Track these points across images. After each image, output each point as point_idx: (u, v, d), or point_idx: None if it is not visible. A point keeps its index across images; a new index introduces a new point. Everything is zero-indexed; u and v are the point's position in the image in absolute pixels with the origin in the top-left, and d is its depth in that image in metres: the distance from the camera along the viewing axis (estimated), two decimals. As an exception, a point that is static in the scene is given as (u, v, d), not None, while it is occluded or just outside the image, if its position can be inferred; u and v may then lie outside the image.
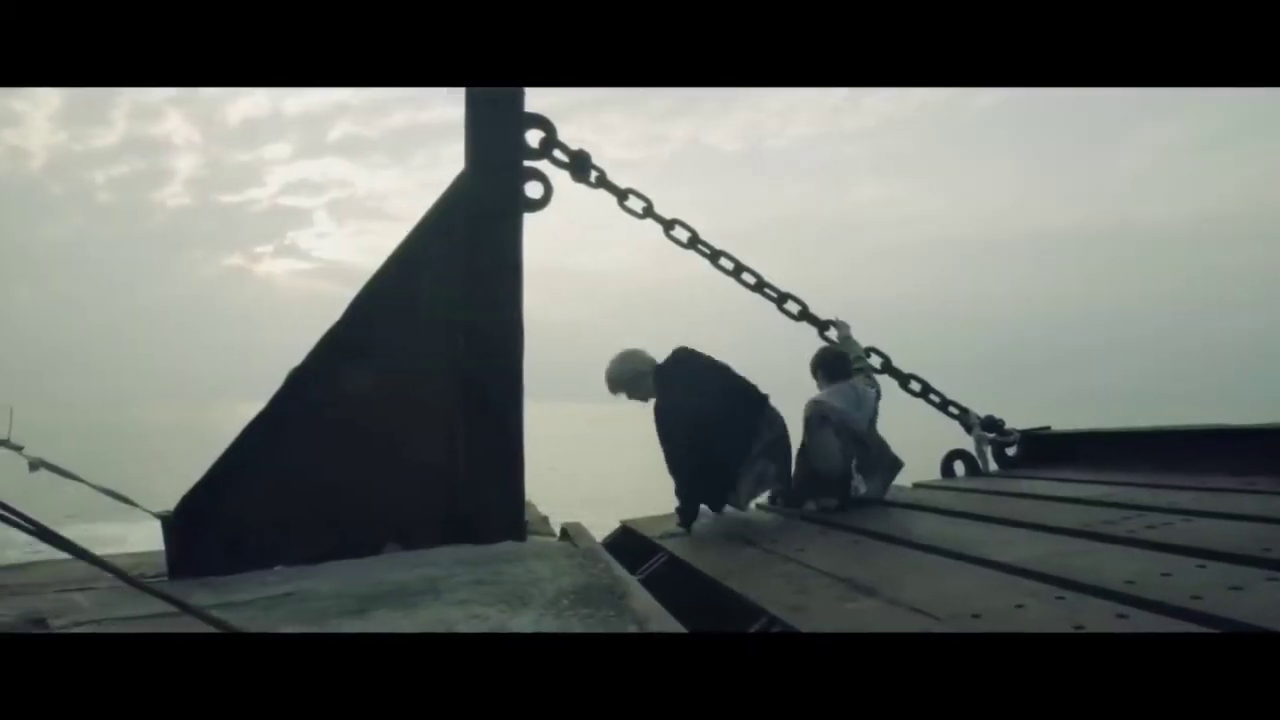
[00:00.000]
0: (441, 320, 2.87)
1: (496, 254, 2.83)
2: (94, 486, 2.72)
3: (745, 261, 3.84)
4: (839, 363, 3.67)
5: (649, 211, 3.54)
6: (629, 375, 3.37)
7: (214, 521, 2.66)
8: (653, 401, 3.32)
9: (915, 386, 4.35)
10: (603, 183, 3.33)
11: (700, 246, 3.75)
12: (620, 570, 2.24)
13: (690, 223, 3.68)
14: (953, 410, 4.49)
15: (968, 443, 4.54)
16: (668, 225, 3.63)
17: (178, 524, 2.64)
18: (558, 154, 3.11)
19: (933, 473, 4.54)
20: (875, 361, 4.13)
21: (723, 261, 3.82)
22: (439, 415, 2.82)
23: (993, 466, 4.55)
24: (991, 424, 4.56)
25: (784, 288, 3.98)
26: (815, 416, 3.39)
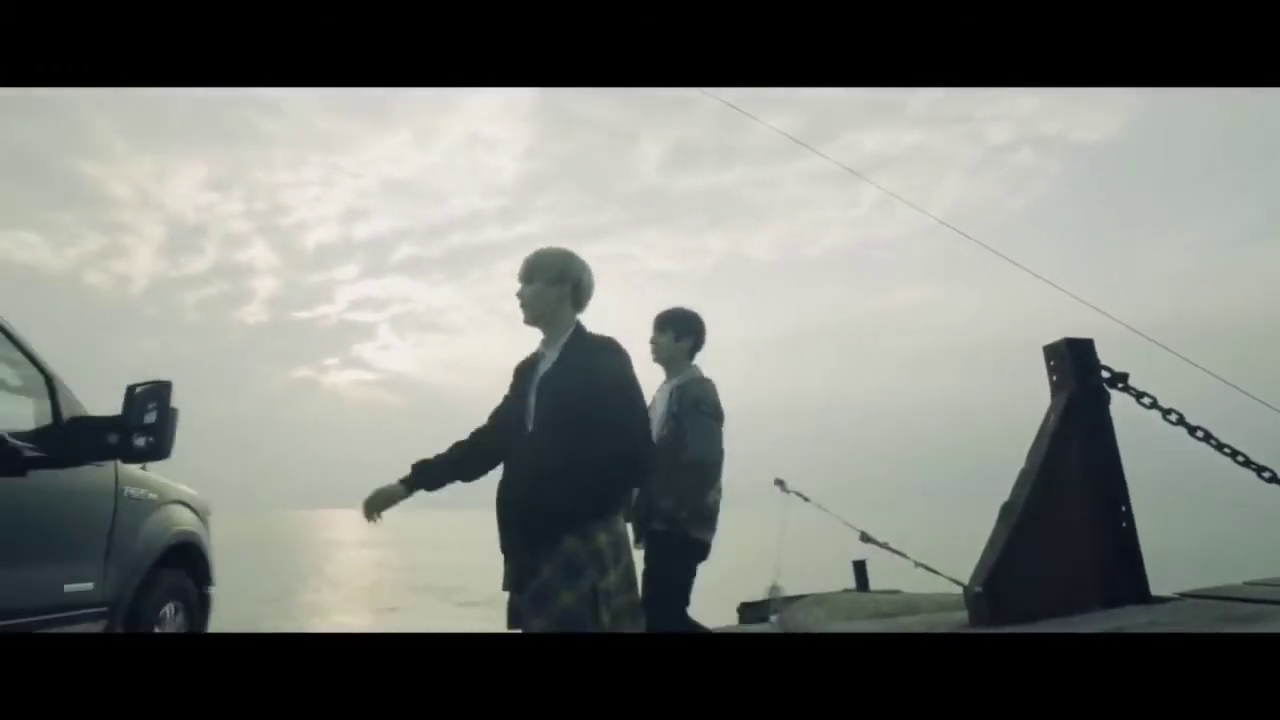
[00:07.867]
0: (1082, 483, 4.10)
1: (1099, 438, 4.16)
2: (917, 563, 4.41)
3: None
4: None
5: (1180, 421, 4.24)
6: (558, 267, 2.24)
7: (1005, 591, 3.78)
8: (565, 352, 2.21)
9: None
10: (1127, 389, 4.29)
11: (1224, 449, 4.27)
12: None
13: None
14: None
15: None
16: (1191, 429, 4.25)
17: (986, 594, 3.78)
18: (1103, 373, 4.20)
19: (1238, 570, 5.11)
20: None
21: (1238, 458, 4.35)
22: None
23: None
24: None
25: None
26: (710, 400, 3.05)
